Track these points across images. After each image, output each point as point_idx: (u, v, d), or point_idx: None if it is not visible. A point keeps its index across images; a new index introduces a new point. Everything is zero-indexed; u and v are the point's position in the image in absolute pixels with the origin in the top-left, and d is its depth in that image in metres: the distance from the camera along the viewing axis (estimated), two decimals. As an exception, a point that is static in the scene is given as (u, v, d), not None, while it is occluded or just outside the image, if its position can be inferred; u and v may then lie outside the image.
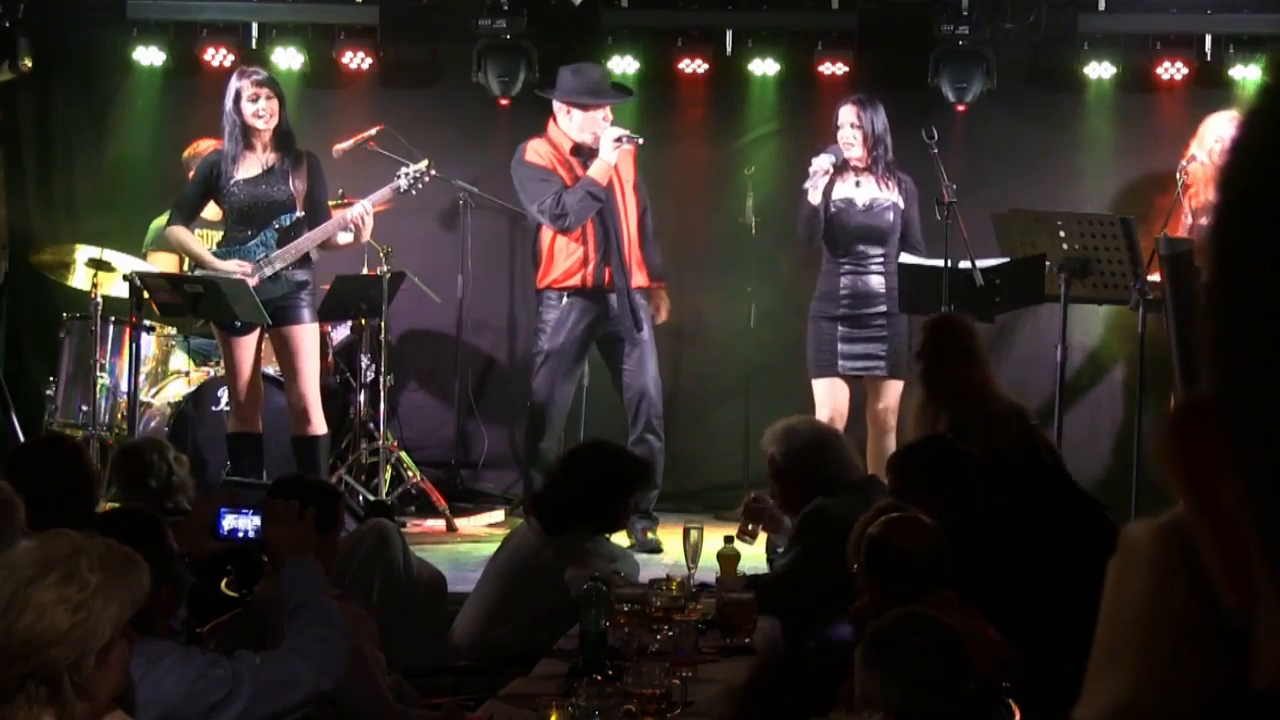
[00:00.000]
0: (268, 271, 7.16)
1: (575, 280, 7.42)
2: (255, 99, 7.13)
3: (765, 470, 8.27)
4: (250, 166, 7.20)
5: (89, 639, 2.65)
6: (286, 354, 7.24)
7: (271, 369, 7.58)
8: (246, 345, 7.23)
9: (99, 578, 2.67)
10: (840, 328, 7.37)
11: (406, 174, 7.54)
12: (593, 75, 7.50)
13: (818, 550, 4.74)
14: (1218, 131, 7.49)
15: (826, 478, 5.15)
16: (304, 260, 7.26)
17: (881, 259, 7.39)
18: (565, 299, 7.45)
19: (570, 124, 7.42)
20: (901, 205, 7.43)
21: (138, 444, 5.48)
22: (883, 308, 7.36)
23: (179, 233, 7.32)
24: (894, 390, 7.39)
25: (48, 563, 2.68)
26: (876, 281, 7.39)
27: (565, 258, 7.43)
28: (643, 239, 7.55)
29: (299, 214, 7.21)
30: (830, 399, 7.37)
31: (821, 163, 7.35)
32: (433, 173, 7.63)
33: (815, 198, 7.33)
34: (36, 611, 2.62)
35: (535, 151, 7.44)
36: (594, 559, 4.85)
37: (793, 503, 5.22)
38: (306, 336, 7.26)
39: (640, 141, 7.46)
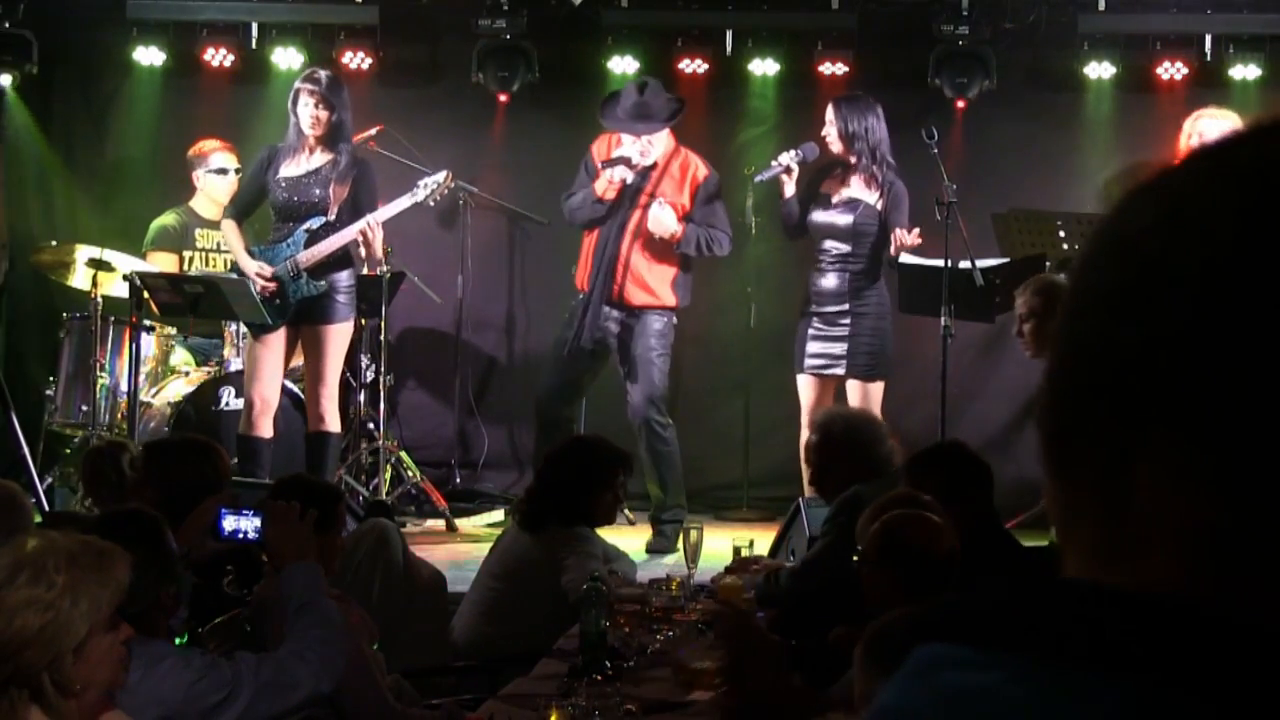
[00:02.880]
0: (291, 271, 7.18)
1: (584, 284, 7.50)
2: (306, 105, 7.22)
3: (765, 469, 8.31)
4: (296, 165, 7.25)
5: (61, 638, 2.65)
6: (313, 350, 7.26)
7: (295, 362, 7.59)
8: (270, 345, 7.21)
9: (65, 577, 2.67)
10: (810, 325, 7.37)
11: (425, 185, 7.53)
12: (628, 100, 7.44)
13: (852, 536, 4.72)
14: (1198, 128, 7.49)
15: (865, 465, 5.13)
16: (344, 262, 7.27)
17: (850, 258, 7.34)
18: (578, 298, 7.53)
19: None
20: (879, 209, 7.37)
21: (94, 450, 5.42)
22: (845, 307, 7.32)
23: (226, 227, 7.47)
24: (869, 392, 7.32)
25: (17, 564, 2.68)
26: (844, 280, 7.34)
27: (583, 261, 7.51)
28: (652, 260, 7.50)
29: (329, 218, 7.22)
30: (806, 396, 7.37)
31: (782, 159, 7.39)
32: (451, 185, 7.63)
33: (788, 190, 7.40)
34: (7, 615, 2.62)
35: (599, 143, 7.51)
36: (584, 558, 4.86)
37: (830, 487, 5.20)
38: (336, 337, 7.28)
39: (626, 179, 7.41)
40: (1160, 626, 0.66)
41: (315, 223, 7.20)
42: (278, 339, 7.24)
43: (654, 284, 7.45)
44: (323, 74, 7.42)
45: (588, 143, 8.32)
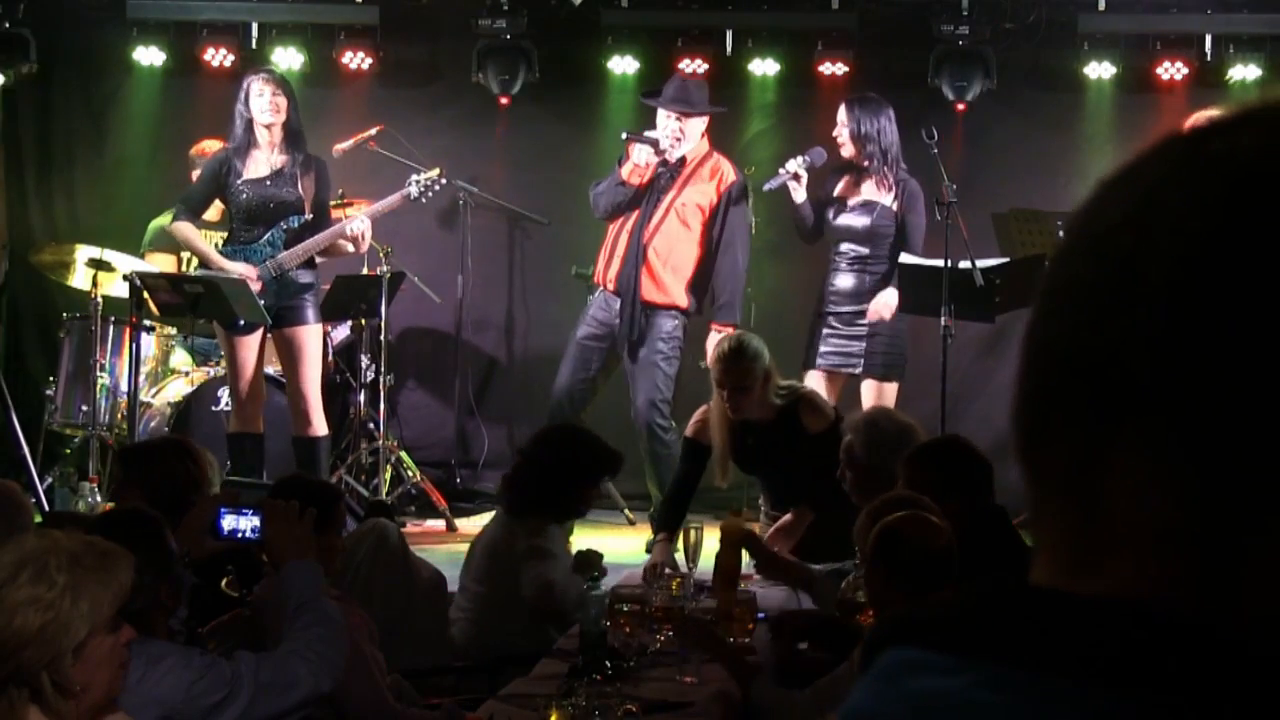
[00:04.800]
0: (273, 272, 7.17)
1: (600, 278, 7.49)
2: (262, 94, 7.15)
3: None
4: (258, 167, 7.21)
5: (61, 638, 2.65)
6: (289, 355, 7.24)
7: (272, 369, 7.58)
8: (249, 345, 7.22)
9: (66, 577, 2.67)
10: (825, 324, 7.37)
11: (417, 181, 7.53)
12: (672, 87, 7.46)
13: None
14: None
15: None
16: (308, 262, 7.27)
17: (869, 260, 7.35)
18: (595, 293, 7.53)
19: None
20: (894, 209, 7.38)
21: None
22: (863, 307, 7.32)
23: (184, 229, 7.34)
24: (885, 392, 7.32)
25: (19, 563, 2.68)
26: (862, 280, 7.34)
27: (604, 256, 7.49)
28: (669, 260, 7.46)
29: (307, 217, 7.21)
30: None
31: (790, 166, 7.35)
32: (444, 181, 7.62)
33: (798, 196, 7.36)
34: (7, 613, 2.62)
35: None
36: (549, 557, 4.86)
37: (867, 494, 5.18)
38: (310, 338, 7.27)
39: (653, 163, 7.39)
40: (1131, 635, 0.66)
41: (294, 222, 7.20)
42: (254, 339, 7.24)
43: (669, 283, 7.42)
44: (269, 67, 7.46)
45: (588, 142, 8.34)
